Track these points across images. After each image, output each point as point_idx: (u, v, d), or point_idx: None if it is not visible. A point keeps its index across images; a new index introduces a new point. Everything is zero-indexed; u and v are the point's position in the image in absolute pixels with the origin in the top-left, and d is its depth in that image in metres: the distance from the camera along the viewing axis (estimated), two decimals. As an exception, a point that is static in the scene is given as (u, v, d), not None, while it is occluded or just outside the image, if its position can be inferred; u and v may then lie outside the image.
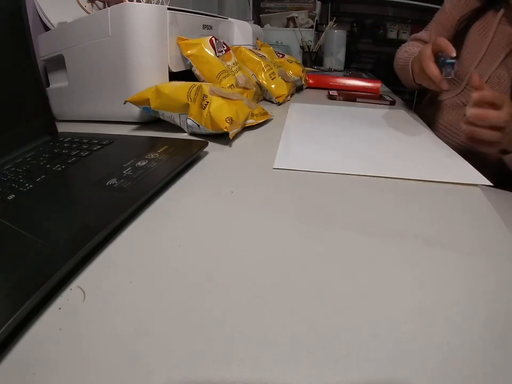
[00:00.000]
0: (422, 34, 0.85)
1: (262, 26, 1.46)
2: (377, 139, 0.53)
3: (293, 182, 0.38)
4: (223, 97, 0.48)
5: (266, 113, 0.58)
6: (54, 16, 0.63)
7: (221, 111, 0.46)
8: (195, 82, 0.51)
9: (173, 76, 0.56)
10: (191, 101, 0.48)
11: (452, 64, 0.53)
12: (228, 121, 0.46)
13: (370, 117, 0.67)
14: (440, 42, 0.56)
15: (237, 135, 0.50)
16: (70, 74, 0.56)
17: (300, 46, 1.37)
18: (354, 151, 0.47)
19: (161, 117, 0.52)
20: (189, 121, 0.49)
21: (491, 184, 0.38)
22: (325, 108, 0.73)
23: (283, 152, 0.46)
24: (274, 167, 0.41)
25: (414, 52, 0.74)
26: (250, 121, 0.53)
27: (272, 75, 0.73)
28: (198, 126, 0.48)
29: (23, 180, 0.33)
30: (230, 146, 0.47)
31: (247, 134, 0.53)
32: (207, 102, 0.47)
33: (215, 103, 0.47)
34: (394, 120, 0.65)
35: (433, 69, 0.56)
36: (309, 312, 0.20)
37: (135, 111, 0.53)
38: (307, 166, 0.42)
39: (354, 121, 0.64)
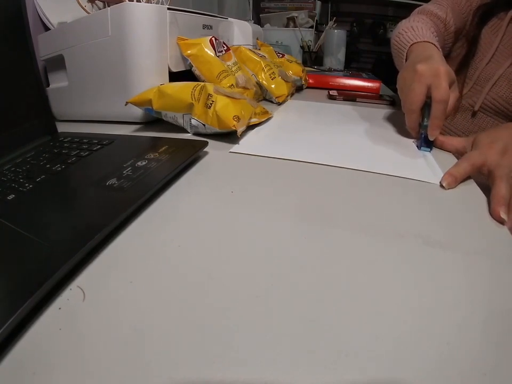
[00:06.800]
0: (435, 7, 0.72)
1: (262, 26, 1.46)
2: (357, 135, 0.53)
3: (290, 177, 0.38)
4: (228, 96, 0.48)
5: (267, 112, 0.58)
6: (54, 16, 0.63)
7: (227, 110, 0.46)
8: (198, 82, 0.51)
9: (173, 76, 0.56)
10: (195, 100, 0.48)
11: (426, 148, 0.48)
12: (235, 119, 0.46)
13: (364, 116, 0.66)
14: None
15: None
16: (70, 74, 0.56)
17: (300, 46, 1.37)
18: (323, 144, 0.49)
19: (163, 118, 0.52)
20: (193, 121, 0.49)
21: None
22: (319, 106, 0.73)
23: (248, 139, 0.49)
24: (230, 151, 0.45)
25: (418, 36, 0.60)
26: (254, 120, 0.54)
27: (272, 75, 0.73)
28: (204, 125, 0.48)
29: (23, 180, 0.33)
30: (236, 144, 0.47)
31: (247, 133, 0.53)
32: (212, 101, 0.47)
33: (221, 102, 0.47)
34: (388, 120, 0.64)
35: (413, 123, 0.50)
36: (309, 312, 0.20)
37: (135, 111, 0.53)
38: (263, 152, 0.44)
39: (343, 119, 0.63)
